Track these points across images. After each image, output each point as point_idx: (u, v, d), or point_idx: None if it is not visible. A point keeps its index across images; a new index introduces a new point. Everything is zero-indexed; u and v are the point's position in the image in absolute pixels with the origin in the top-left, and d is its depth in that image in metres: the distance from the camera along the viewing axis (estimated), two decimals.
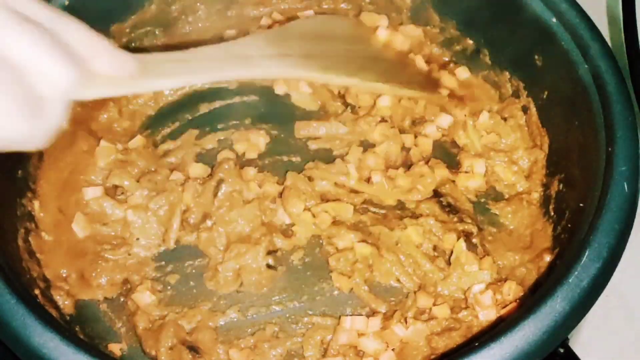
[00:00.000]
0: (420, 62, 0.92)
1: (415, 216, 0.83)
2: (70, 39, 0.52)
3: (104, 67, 0.55)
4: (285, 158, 0.90)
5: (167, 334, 0.75)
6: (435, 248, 0.81)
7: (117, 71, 0.56)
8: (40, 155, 0.85)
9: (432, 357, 0.74)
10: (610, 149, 0.69)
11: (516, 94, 0.90)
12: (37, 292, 0.74)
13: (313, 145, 0.90)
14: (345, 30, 0.88)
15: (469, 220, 0.83)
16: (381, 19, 0.96)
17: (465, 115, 0.90)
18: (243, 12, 1.00)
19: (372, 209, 0.85)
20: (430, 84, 0.91)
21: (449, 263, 0.80)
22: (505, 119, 0.89)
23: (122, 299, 0.81)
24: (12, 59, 0.46)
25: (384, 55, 0.90)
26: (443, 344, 0.74)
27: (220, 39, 0.99)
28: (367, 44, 0.90)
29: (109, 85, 0.56)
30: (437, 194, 0.85)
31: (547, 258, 0.77)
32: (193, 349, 0.76)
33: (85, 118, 0.90)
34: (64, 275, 0.80)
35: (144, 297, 0.79)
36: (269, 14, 0.99)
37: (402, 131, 0.90)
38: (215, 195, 0.84)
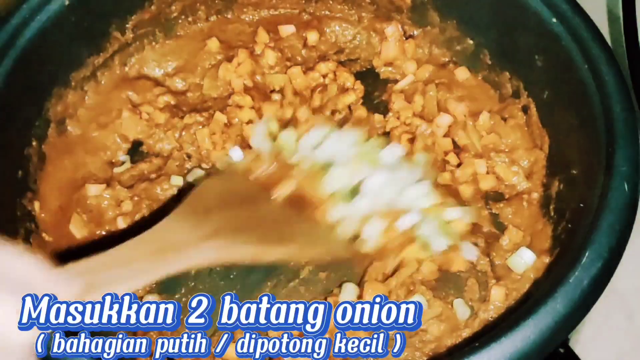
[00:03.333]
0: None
1: None
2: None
3: (45, 290, 0.54)
4: None
5: None
6: None
7: (59, 293, 0.56)
8: (41, 155, 0.85)
9: (433, 356, 0.74)
10: (610, 149, 0.69)
11: (516, 94, 0.90)
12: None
13: None
14: (247, 189, 0.80)
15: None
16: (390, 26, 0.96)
17: (465, 116, 0.90)
18: (243, 13, 1.00)
19: None
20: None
21: None
22: (505, 119, 0.89)
23: None
24: None
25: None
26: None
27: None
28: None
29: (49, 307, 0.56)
30: None
31: (547, 258, 0.77)
32: None
33: None
34: None
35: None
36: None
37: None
38: None
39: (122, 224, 0.84)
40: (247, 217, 0.75)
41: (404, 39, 0.97)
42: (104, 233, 0.84)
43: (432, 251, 0.80)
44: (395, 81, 0.95)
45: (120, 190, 0.86)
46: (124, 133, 0.91)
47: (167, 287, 0.82)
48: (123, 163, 0.90)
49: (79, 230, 0.83)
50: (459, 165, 0.88)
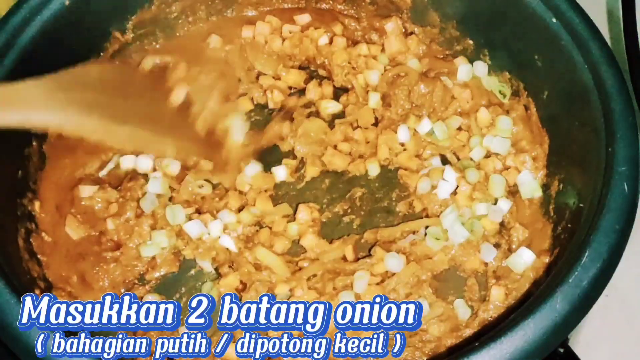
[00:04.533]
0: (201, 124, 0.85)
1: None
2: None
3: None
4: None
5: None
6: None
7: None
8: (41, 155, 0.85)
9: (433, 356, 0.74)
10: (610, 149, 0.69)
11: (516, 94, 0.90)
12: (37, 292, 0.74)
13: None
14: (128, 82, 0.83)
15: None
16: (389, 22, 0.96)
17: (467, 102, 0.91)
18: (243, 12, 1.00)
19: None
20: (210, 146, 0.85)
21: None
22: (507, 112, 0.89)
23: None
24: None
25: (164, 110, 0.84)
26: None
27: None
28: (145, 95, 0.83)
29: None
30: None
31: (547, 258, 0.77)
32: None
33: None
34: (66, 276, 0.80)
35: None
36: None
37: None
38: None
39: (111, 225, 0.84)
40: (123, 103, 0.76)
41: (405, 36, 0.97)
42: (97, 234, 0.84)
43: (448, 241, 0.81)
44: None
45: (110, 192, 0.86)
46: None
47: (167, 287, 0.82)
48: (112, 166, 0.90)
49: (74, 231, 0.83)
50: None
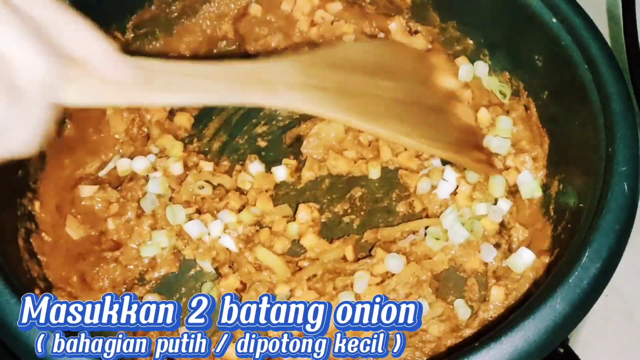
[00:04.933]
0: (464, 113, 0.83)
1: None
2: (61, 33, 0.49)
3: (99, 70, 0.51)
4: None
5: None
6: None
7: (115, 77, 0.52)
8: (41, 155, 0.85)
9: (433, 356, 0.74)
10: (610, 149, 0.69)
11: (516, 94, 0.90)
12: (37, 292, 0.74)
13: None
14: (395, 62, 0.76)
15: None
16: (393, 22, 0.96)
17: (468, 103, 0.90)
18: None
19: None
20: (468, 143, 0.81)
21: None
22: (507, 112, 0.89)
23: None
24: None
25: (431, 101, 0.78)
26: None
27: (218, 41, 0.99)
28: (417, 82, 0.78)
29: (102, 92, 0.51)
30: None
31: (547, 258, 0.77)
32: None
33: None
34: (66, 277, 0.80)
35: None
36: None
37: None
38: None
39: (111, 225, 0.84)
40: (359, 86, 0.70)
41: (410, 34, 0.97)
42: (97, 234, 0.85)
43: (448, 241, 0.81)
44: None
45: (111, 192, 0.86)
46: (112, 132, 0.91)
47: (167, 287, 0.82)
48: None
49: (74, 232, 0.83)
50: None
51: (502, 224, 0.83)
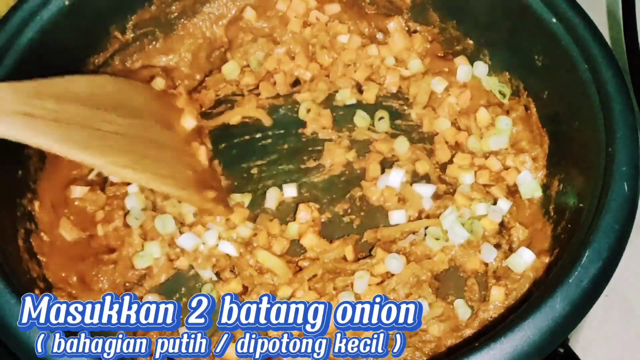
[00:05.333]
0: (202, 154, 0.85)
1: None
2: None
3: None
4: None
5: None
6: None
7: None
8: (41, 155, 0.85)
9: (433, 356, 0.74)
10: (610, 149, 0.69)
11: (516, 94, 0.90)
12: (37, 292, 0.74)
13: None
14: (133, 100, 0.79)
15: None
16: (392, 21, 0.96)
17: (460, 110, 0.91)
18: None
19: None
20: (201, 183, 0.82)
21: None
22: (507, 112, 0.89)
23: None
24: None
25: (167, 140, 0.81)
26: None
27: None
28: (154, 121, 0.80)
29: None
30: None
31: (547, 258, 0.77)
32: None
33: None
34: (66, 277, 0.80)
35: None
36: None
37: None
38: None
39: (100, 231, 0.84)
40: (82, 117, 0.71)
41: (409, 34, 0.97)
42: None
43: (448, 241, 0.80)
44: None
45: (100, 194, 0.85)
46: None
47: (167, 287, 0.82)
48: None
49: (68, 233, 0.83)
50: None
51: (502, 224, 0.83)
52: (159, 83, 0.92)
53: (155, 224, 0.82)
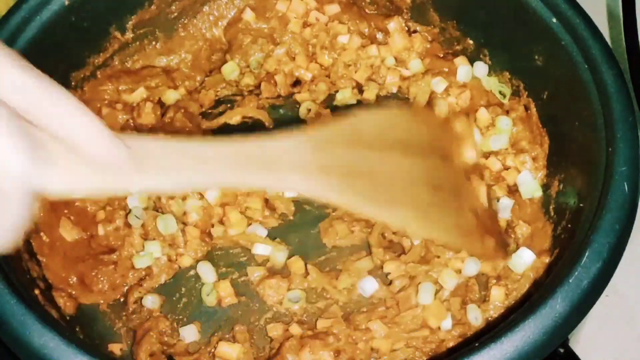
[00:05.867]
0: (482, 193, 0.73)
1: None
2: (47, 115, 0.43)
3: (89, 155, 0.45)
4: None
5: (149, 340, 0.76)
6: None
7: (107, 161, 0.45)
8: None
9: (433, 356, 0.74)
10: (610, 149, 0.69)
11: (516, 94, 0.90)
12: (37, 292, 0.74)
13: None
14: (414, 134, 0.65)
15: None
16: (392, 22, 0.96)
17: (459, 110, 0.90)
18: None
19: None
20: (481, 228, 0.70)
21: None
22: (507, 112, 0.89)
23: (122, 299, 0.81)
24: None
25: (450, 181, 0.66)
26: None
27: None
28: (437, 158, 0.66)
29: (89, 178, 0.45)
30: None
31: (547, 258, 0.77)
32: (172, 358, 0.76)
33: None
34: (66, 278, 0.80)
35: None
36: None
37: None
38: None
39: (101, 231, 0.84)
40: (374, 168, 0.59)
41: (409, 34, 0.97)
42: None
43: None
44: None
45: None
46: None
47: (167, 288, 0.82)
48: None
49: (68, 233, 0.83)
50: None
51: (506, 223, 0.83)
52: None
53: (157, 224, 0.82)
